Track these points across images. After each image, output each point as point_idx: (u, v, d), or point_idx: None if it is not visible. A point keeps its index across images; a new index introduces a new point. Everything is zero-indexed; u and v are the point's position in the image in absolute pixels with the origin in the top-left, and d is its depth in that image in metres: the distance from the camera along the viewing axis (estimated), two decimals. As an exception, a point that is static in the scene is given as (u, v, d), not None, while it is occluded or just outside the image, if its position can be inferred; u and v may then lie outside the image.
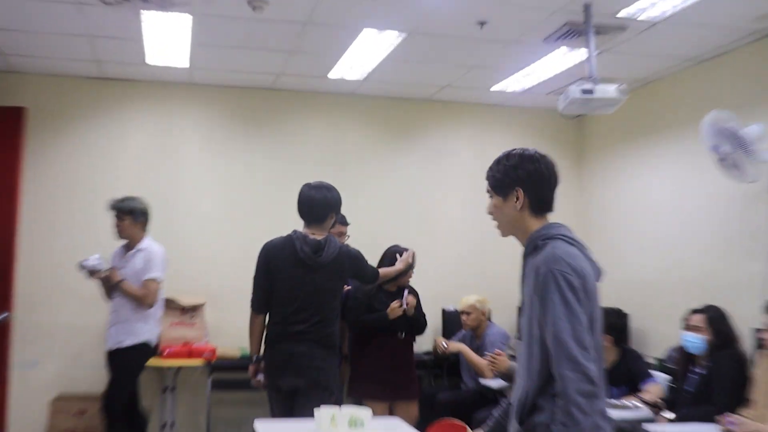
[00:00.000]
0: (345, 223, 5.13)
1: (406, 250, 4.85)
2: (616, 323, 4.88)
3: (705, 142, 4.63)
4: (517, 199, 2.48)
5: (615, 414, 4.15)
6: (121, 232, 5.23)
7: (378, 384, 4.84)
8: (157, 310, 5.24)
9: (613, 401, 4.43)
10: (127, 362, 5.14)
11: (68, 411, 5.97)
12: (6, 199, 5.99)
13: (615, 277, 6.41)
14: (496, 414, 2.68)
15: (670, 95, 5.94)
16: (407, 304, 4.88)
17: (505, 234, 2.58)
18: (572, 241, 2.43)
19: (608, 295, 6.06)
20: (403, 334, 5.01)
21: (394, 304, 4.85)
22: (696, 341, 4.30)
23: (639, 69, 5.84)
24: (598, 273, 2.45)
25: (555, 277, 2.29)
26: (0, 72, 6.16)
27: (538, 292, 2.32)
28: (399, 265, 4.71)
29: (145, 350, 5.18)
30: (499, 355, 4.73)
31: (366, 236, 5.27)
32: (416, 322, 5.06)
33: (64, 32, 5.24)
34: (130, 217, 5.21)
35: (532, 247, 2.45)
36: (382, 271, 4.60)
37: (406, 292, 4.92)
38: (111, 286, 5.17)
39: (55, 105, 6.32)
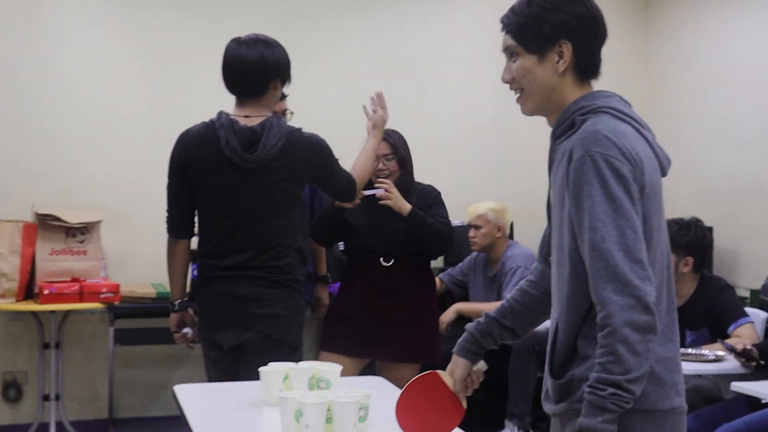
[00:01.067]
0: (282, 96, 4.87)
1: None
2: (695, 241, 4.90)
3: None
4: (561, 56, 2.44)
5: (689, 367, 4.26)
6: None
7: (352, 332, 4.90)
8: None
9: (689, 350, 4.54)
10: None
11: None
12: None
13: (691, 178, 6.54)
14: (471, 327, 2.73)
15: None
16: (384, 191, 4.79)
17: (532, 110, 2.54)
18: (625, 117, 2.40)
19: (682, 203, 6.16)
20: (391, 260, 5.01)
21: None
22: None
23: None
24: (663, 163, 2.45)
25: (595, 163, 2.26)
26: None
27: (572, 185, 2.30)
28: (369, 142, 4.47)
29: None
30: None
31: (330, 124, 5.28)
32: (417, 230, 4.94)
33: None
34: None
35: (568, 124, 2.42)
36: (357, 171, 4.37)
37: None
38: None
39: None
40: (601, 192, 2.24)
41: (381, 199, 4.76)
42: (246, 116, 4.06)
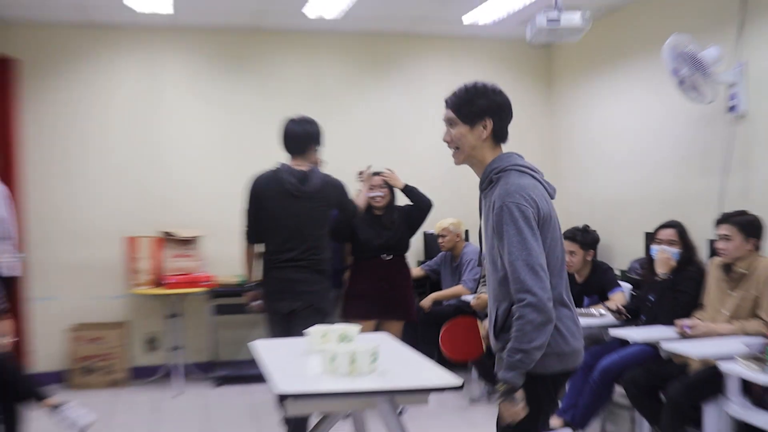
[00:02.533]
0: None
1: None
2: (592, 240, 4.91)
3: (666, 66, 4.57)
4: (485, 128, 2.43)
5: (583, 321, 4.21)
6: None
7: (365, 304, 4.91)
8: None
9: (582, 310, 4.53)
10: None
11: (84, 338, 6.09)
12: (5, 149, 5.91)
13: (583, 196, 6.56)
14: None
15: (633, 23, 5.84)
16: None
17: (461, 162, 2.54)
18: (524, 170, 2.42)
19: (578, 213, 6.13)
20: (390, 255, 5.02)
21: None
22: (673, 252, 4.28)
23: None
24: (551, 192, 2.46)
25: (510, 210, 2.30)
26: (-7, 24, 6.02)
27: (497, 225, 2.33)
28: (362, 196, 4.74)
29: None
30: (479, 298, 4.91)
31: (347, 163, 5.22)
32: (397, 242, 5.07)
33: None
34: None
35: (488, 181, 2.44)
36: (359, 203, 4.59)
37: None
38: None
39: (46, 54, 6.20)
40: (514, 229, 2.29)
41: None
42: (297, 165, 4.15)
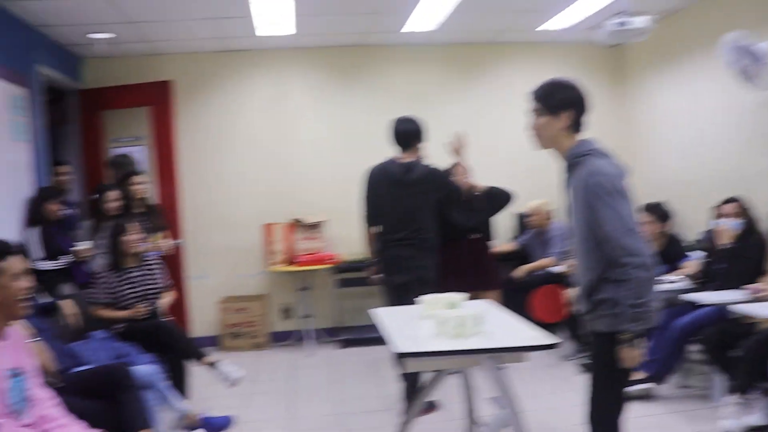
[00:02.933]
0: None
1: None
2: (663, 213, 4.83)
3: (726, 59, 4.45)
4: (565, 118, 2.44)
5: (663, 288, 4.20)
6: None
7: (457, 278, 4.74)
8: None
9: (659, 277, 4.46)
10: None
11: (232, 309, 6.27)
12: (167, 155, 6.17)
13: (655, 177, 6.39)
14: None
15: (694, 21, 5.66)
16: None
17: (543, 148, 2.54)
18: (601, 154, 2.41)
19: (651, 192, 6.08)
20: (475, 236, 4.99)
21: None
22: (735, 224, 4.22)
23: (666, 1, 5.56)
24: (624, 173, 2.44)
25: (598, 187, 2.29)
26: (151, 55, 6.35)
27: (589, 202, 2.32)
28: (462, 182, 4.59)
29: None
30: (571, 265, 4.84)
31: (444, 157, 5.20)
32: (485, 224, 5.04)
33: (193, 18, 5.35)
34: None
35: (572, 164, 2.44)
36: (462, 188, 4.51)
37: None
38: None
39: (194, 76, 6.45)
40: (605, 204, 2.27)
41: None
42: (403, 158, 4.19)
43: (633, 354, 2.32)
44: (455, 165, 4.63)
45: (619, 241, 2.25)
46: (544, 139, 2.51)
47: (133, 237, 4.38)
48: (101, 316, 4.20)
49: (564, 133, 2.47)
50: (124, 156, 5.99)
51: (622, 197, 2.32)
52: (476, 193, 4.83)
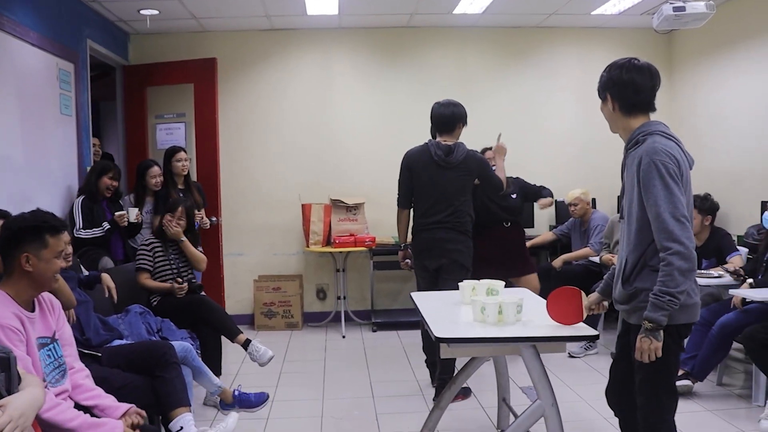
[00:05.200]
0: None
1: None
2: (712, 207, 4.72)
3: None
4: (611, 101, 2.40)
5: (702, 281, 4.12)
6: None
7: (492, 265, 4.75)
8: None
9: (702, 271, 4.39)
10: None
11: (267, 288, 6.34)
12: (209, 132, 6.22)
13: (704, 167, 6.18)
14: (606, 277, 2.66)
15: (747, 9, 5.49)
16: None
17: (612, 130, 2.48)
18: (669, 136, 2.33)
19: (699, 184, 5.91)
20: (509, 223, 4.99)
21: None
22: None
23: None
24: (690, 162, 2.37)
25: (657, 165, 2.22)
26: (196, 32, 6.41)
27: (642, 178, 2.25)
28: (498, 163, 4.55)
29: None
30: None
31: (488, 143, 5.15)
32: (518, 212, 5.07)
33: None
34: None
35: (634, 141, 2.36)
36: (501, 177, 4.44)
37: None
38: None
39: (240, 54, 6.50)
40: (661, 183, 2.21)
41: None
42: (444, 141, 4.15)
43: (650, 346, 2.21)
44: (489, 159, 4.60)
45: (667, 223, 2.17)
46: (609, 124, 2.48)
47: (180, 219, 4.45)
48: (144, 284, 4.28)
49: (617, 115, 2.41)
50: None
51: (681, 183, 2.24)
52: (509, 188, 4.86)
